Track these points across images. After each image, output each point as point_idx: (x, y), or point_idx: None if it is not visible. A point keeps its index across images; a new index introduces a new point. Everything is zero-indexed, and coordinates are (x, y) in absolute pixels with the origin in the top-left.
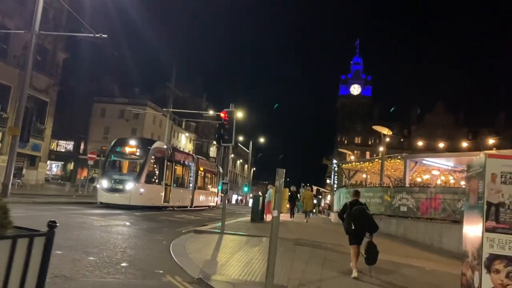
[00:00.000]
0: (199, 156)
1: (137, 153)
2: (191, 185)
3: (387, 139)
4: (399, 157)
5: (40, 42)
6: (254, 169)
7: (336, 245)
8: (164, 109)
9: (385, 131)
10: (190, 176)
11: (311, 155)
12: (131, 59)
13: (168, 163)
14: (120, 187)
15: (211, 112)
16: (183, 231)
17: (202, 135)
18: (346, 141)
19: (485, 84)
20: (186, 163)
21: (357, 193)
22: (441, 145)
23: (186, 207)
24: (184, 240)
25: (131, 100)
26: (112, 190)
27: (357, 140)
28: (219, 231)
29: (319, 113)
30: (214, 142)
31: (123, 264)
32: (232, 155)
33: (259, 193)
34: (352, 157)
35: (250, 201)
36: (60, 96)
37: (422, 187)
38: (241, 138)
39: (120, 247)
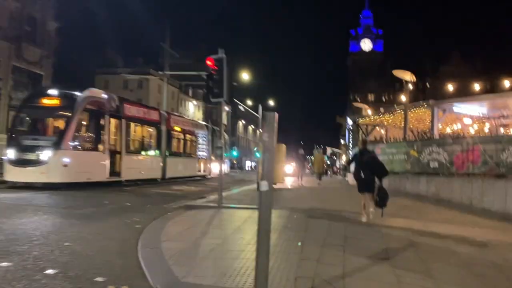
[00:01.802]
0: (173, 112)
1: (60, 106)
2: (158, 150)
3: (410, 86)
4: (425, 105)
5: (27, 11)
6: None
7: (357, 213)
8: (159, 72)
9: (407, 76)
10: (158, 138)
11: (324, 116)
12: (133, 28)
13: (114, 120)
14: (33, 157)
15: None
16: (173, 206)
17: (211, 103)
18: (359, 99)
19: (498, 31)
20: (148, 120)
21: (364, 142)
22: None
23: (156, 180)
24: (165, 221)
25: (134, 70)
26: (20, 162)
27: (370, 97)
28: (216, 205)
29: (330, 72)
30: (226, 108)
31: (49, 271)
32: (243, 121)
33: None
34: (369, 111)
35: None
36: (59, 69)
37: (456, 138)
38: (250, 102)
39: (64, 239)
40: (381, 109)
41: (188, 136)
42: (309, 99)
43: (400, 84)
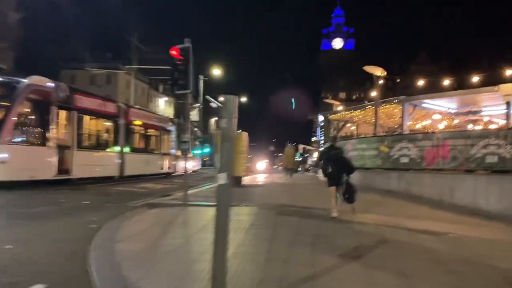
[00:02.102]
0: (132, 105)
1: None
2: (116, 146)
3: (381, 81)
4: (395, 100)
5: None
6: (240, 131)
7: (328, 210)
8: (126, 67)
9: (378, 71)
10: (116, 133)
11: (298, 114)
12: (102, 22)
13: (63, 112)
14: None
15: None
16: (136, 204)
17: (183, 99)
18: (330, 97)
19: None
20: (104, 113)
21: (333, 139)
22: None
23: (113, 177)
24: (124, 220)
25: (102, 65)
26: None
27: (342, 95)
28: (182, 202)
29: (303, 70)
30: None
31: None
32: (215, 118)
33: None
34: (340, 108)
35: None
36: (21, 63)
37: (427, 133)
38: (221, 98)
39: (5, 241)
40: (353, 108)
41: (151, 131)
42: (283, 97)
43: (370, 83)
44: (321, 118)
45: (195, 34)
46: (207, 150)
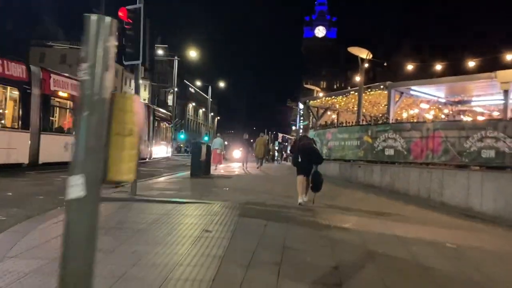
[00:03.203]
0: (48, 68)
1: None
2: (24, 123)
3: (366, 65)
4: (381, 86)
5: None
6: (218, 118)
7: (301, 210)
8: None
9: (363, 54)
10: (25, 106)
11: (278, 103)
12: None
13: None
14: None
15: (159, 52)
16: None
17: (158, 82)
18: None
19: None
20: (4, 77)
21: (306, 129)
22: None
23: (21, 164)
24: (41, 221)
25: (74, 43)
26: None
27: (323, 84)
28: (129, 196)
29: (284, 58)
30: (173, 90)
31: None
32: (194, 104)
33: (202, 140)
34: (321, 94)
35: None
36: None
37: (416, 123)
38: (199, 83)
39: None
40: (335, 94)
41: None
42: (262, 85)
43: (352, 72)
44: (301, 106)
45: (178, 15)
46: (182, 136)
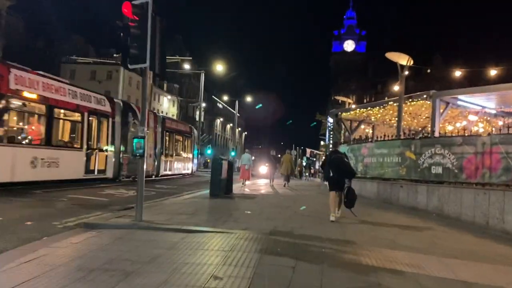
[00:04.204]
0: (7, 62)
1: None
2: None
3: (406, 72)
4: (424, 96)
5: None
6: (245, 133)
7: (342, 241)
8: (115, 56)
9: (403, 60)
10: None
11: (304, 117)
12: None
13: None
14: None
15: (187, 67)
16: (69, 223)
17: (187, 98)
18: (340, 101)
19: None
20: None
21: (336, 144)
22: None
23: None
24: (11, 259)
25: (104, 60)
26: None
27: (352, 99)
28: (133, 221)
29: (312, 73)
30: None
31: None
32: (221, 119)
33: (221, 155)
34: (353, 106)
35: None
36: (17, 55)
37: (469, 137)
38: (226, 98)
39: None
40: (370, 105)
41: (64, 113)
42: (290, 100)
43: (381, 86)
44: (330, 120)
45: (207, 31)
46: (209, 151)
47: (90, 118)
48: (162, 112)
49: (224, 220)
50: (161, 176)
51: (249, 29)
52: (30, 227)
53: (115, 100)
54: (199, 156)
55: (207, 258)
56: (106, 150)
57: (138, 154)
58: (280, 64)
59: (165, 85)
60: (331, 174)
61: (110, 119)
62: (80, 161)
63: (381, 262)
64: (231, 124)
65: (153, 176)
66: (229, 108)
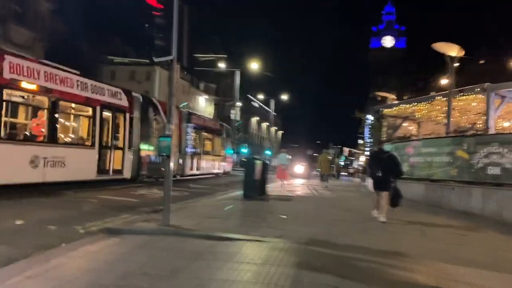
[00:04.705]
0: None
1: None
2: None
3: (456, 64)
4: (477, 89)
5: None
6: (282, 132)
7: (392, 253)
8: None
9: (453, 51)
10: None
11: (342, 115)
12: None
13: None
14: None
15: (222, 66)
16: (92, 228)
17: (223, 97)
18: (379, 98)
19: None
20: None
21: (380, 142)
22: None
23: None
24: (15, 273)
25: (142, 60)
26: None
27: (391, 95)
28: (160, 226)
29: (349, 70)
30: (237, 104)
31: None
32: (257, 118)
33: (255, 155)
34: (396, 102)
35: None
36: (57, 55)
37: None
38: (261, 97)
39: None
40: (416, 100)
41: (67, 105)
42: (327, 98)
43: (424, 83)
44: (370, 117)
45: (242, 32)
46: (245, 150)
47: (103, 113)
48: (199, 111)
49: (257, 226)
50: (187, 176)
51: (283, 27)
52: (50, 232)
53: (134, 94)
54: (235, 155)
55: (236, 274)
56: (123, 148)
57: (164, 154)
58: (317, 62)
59: (201, 86)
60: (377, 174)
61: (128, 114)
62: (92, 160)
63: (441, 281)
64: (267, 123)
65: (178, 176)
66: (265, 107)
